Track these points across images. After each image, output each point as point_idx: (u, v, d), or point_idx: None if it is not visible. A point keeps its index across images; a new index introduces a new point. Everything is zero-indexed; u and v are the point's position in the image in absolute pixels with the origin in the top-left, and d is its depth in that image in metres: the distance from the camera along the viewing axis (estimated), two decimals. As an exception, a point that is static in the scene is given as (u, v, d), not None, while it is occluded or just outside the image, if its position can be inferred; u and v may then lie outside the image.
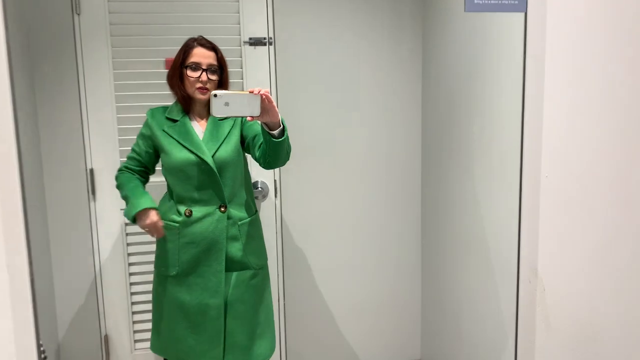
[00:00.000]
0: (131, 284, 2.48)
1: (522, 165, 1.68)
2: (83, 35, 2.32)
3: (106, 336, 2.50)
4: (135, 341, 2.52)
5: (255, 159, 1.89)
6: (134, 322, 2.50)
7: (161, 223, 1.93)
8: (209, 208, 1.92)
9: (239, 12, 2.38)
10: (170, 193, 1.99)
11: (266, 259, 2.09)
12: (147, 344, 2.51)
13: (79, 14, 2.31)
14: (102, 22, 2.31)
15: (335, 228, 2.64)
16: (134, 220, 1.91)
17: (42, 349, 1.57)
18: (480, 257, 2.04)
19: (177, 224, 1.93)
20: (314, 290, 2.66)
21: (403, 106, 2.60)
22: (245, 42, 2.39)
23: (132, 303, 2.49)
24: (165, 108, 2.00)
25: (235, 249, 1.95)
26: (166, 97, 2.28)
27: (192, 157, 1.89)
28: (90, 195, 2.41)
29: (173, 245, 1.94)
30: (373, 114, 2.59)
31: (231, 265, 1.95)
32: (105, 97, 2.36)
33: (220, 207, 1.93)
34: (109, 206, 2.43)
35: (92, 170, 2.40)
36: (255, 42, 2.40)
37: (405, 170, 2.65)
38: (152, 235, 1.95)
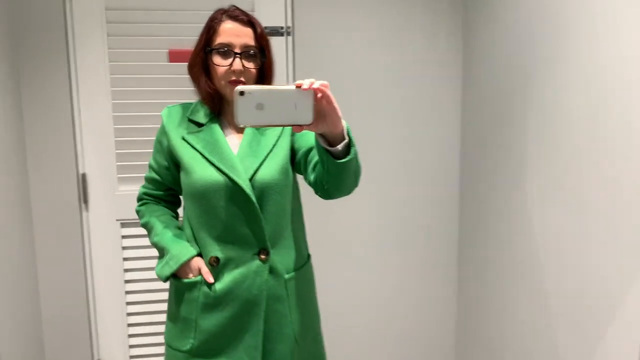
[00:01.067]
0: (128, 303, 2.23)
1: None
2: (75, 21, 2.07)
3: (99, 362, 2.24)
4: (132, 367, 2.26)
5: (309, 183, 1.35)
6: (130, 346, 2.26)
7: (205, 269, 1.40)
8: (243, 254, 1.36)
9: (253, -2, 2.10)
10: (189, 228, 1.44)
11: (320, 324, 1.57)
12: (145, 372, 2.25)
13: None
14: (97, 6, 2.06)
15: (360, 245, 2.37)
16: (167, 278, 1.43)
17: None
18: (545, 310, 1.76)
19: (196, 278, 1.39)
20: (334, 319, 2.39)
21: (439, 106, 2.32)
22: (259, 32, 2.11)
23: (129, 325, 2.25)
24: (187, 106, 1.47)
25: (279, 316, 1.41)
26: (171, 94, 2.02)
27: (220, 178, 1.34)
28: (82, 204, 2.14)
29: (189, 308, 1.40)
30: (404, 115, 2.30)
31: (271, 338, 1.40)
32: (100, 92, 2.10)
33: (259, 252, 1.37)
34: (103, 216, 2.17)
35: (84, 175, 2.14)
36: (272, 31, 2.13)
37: (441, 180, 2.37)
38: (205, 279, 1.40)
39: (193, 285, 1.39)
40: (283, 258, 1.41)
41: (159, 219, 1.48)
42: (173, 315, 1.45)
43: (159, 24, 2.08)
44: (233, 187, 1.33)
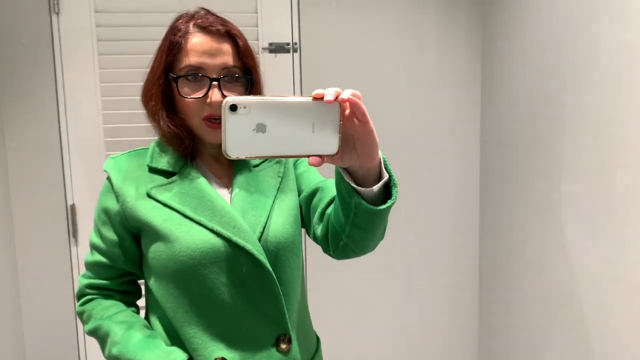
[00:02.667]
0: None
1: None
2: (63, 39, 1.92)
3: (89, 412, 2.03)
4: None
5: (316, 240, 1.04)
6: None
7: None
8: (257, 348, 0.98)
9: (256, 12, 1.97)
10: (165, 327, 1.02)
11: None
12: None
13: (57, 13, 1.89)
14: (87, 23, 1.91)
15: (370, 271, 2.19)
16: None
17: None
18: (582, 350, 1.58)
19: None
20: (343, 345, 2.20)
21: (455, 124, 2.16)
22: (264, 49, 1.98)
23: (122, 369, 2.02)
24: (141, 153, 1.06)
25: None
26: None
27: (217, 242, 0.95)
28: (71, 238, 1.96)
29: None
30: (418, 137, 2.15)
31: None
32: (91, 115, 1.95)
33: (278, 341, 1.00)
34: (94, 250, 1.97)
35: (73, 207, 1.98)
36: (277, 48, 1.98)
37: (459, 203, 2.21)
38: None
39: None
40: (303, 343, 1.06)
41: (114, 320, 1.01)
42: None
43: (154, 42, 1.92)
44: (236, 253, 0.96)
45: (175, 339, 0.99)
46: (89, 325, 1.03)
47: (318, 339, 1.17)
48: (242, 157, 0.74)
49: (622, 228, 1.36)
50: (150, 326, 1.03)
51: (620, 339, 1.39)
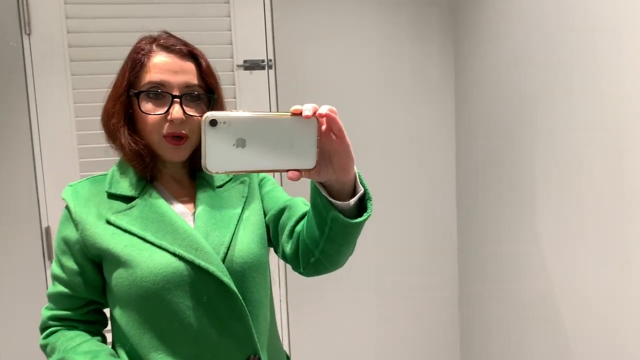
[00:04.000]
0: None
1: None
2: (35, 60, 1.88)
3: None
4: None
5: (285, 258, 1.03)
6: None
7: None
8: None
9: (230, 30, 1.96)
10: (128, 353, 0.99)
11: None
12: None
13: (29, 34, 1.86)
14: (59, 43, 1.88)
15: (353, 282, 2.18)
16: None
17: None
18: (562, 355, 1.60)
19: None
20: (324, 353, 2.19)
21: (431, 138, 2.18)
22: (239, 66, 1.97)
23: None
24: (99, 179, 1.04)
25: None
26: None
27: (179, 265, 0.93)
28: (46, 260, 1.92)
29: None
30: (395, 151, 2.16)
31: None
32: (64, 137, 1.92)
33: None
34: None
35: (47, 229, 1.94)
36: (252, 65, 1.98)
37: (437, 213, 2.22)
38: None
39: None
40: None
41: (77, 351, 0.96)
42: None
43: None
44: (200, 276, 0.94)
45: None
46: (53, 358, 0.99)
47: (288, 358, 1.16)
48: (222, 171, 0.74)
49: (595, 233, 1.39)
50: (116, 354, 1.00)
51: (593, 339, 1.41)
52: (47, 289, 1.93)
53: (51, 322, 1.03)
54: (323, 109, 0.75)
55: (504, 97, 1.79)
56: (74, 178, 1.91)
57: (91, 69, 1.90)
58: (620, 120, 1.27)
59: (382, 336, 2.23)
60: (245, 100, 1.99)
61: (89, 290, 1.01)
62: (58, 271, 1.01)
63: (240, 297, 0.96)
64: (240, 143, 0.73)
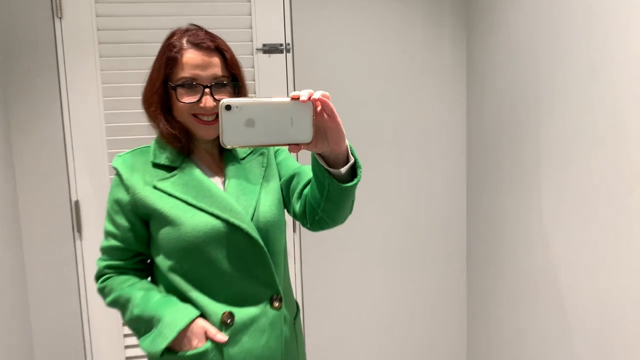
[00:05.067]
0: (125, 335, 2.12)
1: None
2: (66, 42, 1.97)
3: (95, 399, 2.11)
4: (130, 404, 2.13)
5: (295, 216, 1.22)
6: (128, 381, 2.12)
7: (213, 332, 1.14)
8: (255, 306, 1.16)
9: (250, 15, 2.04)
10: (172, 293, 1.18)
11: None
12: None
13: (60, 18, 1.96)
14: (88, 27, 1.97)
15: (365, 272, 2.27)
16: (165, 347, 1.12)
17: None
18: (564, 329, 1.67)
19: (204, 345, 1.11)
20: (339, 342, 2.28)
21: (443, 121, 2.24)
22: (258, 50, 2.05)
23: (127, 358, 2.11)
24: (144, 151, 1.22)
25: None
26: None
27: (217, 224, 1.12)
28: (75, 232, 2.04)
29: None
30: (408, 132, 2.22)
31: None
32: (93, 115, 2.01)
33: (272, 300, 1.18)
34: (98, 245, 2.04)
35: (77, 203, 2.04)
36: (270, 49, 2.05)
37: (447, 195, 2.28)
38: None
39: (201, 356, 1.11)
40: (288, 304, 1.26)
41: (133, 288, 1.18)
42: None
43: (152, 44, 1.99)
44: (234, 232, 1.13)
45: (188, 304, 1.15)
46: (110, 298, 1.19)
47: (297, 304, 1.36)
48: (236, 145, 0.93)
49: (597, 218, 1.45)
50: (164, 292, 1.19)
51: (589, 318, 1.48)
52: (76, 260, 2.06)
53: (106, 270, 1.22)
54: (317, 94, 0.93)
55: (515, 84, 1.84)
56: (101, 155, 2.02)
57: (118, 52, 1.99)
58: (624, 107, 1.32)
59: (390, 297, 2.32)
60: (264, 83, 2.07)
61: (138, 243, 1.20)
62: (111, 228, 1.20)
63: (265, 249, 1.15)
64: (250, 123, 0.91)
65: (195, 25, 1.19)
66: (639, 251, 1.30)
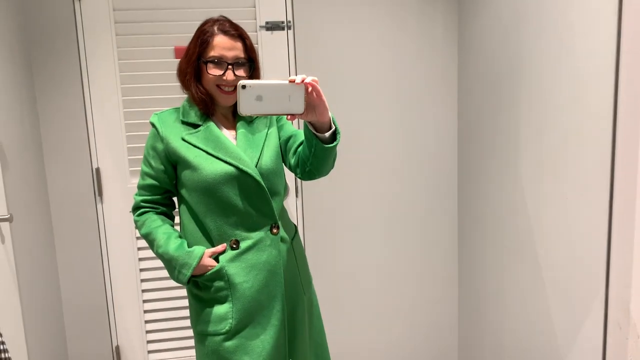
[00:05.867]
0: (143, 290, 2.32)
1: (614, 165, 1.38)
2: (85, 23, 2.15)
3: (117, 347, 2.34)
4: (149, 352, 2.36)
5: (290, 167, 1.57)
6: (147, 332, 2.34)
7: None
8: (258, 232, 1.51)
9: (254, -6, 2.17)
10: (197, 224, 1.54)
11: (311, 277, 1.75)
12: (162, 355, 2.36)
13: (79, 0, 2.11)
14: (105, 7, 2.13)
15: (362, 232, 2.45)
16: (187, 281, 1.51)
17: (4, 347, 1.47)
18: (538, 282, 1.84)
19: (216, 266, 1.49)
20: (339, 299, 2.48)
21: (437, 98, 2.38)
22: (261, 27, 2.20)
23: (145, 311, 2.33)
24: (175, 111, 1.57)
25: (292, 277, 1.60)
26: (178, 89, 2.07)
27: (230, 169, 1.46)
28: (97, 197, 2.23)
29: (222, 291, 1.51)
30: (404, 107, 2.37)
31: (290, 298, 1.59)
32: (111, 90, 2.19)
33: (271, 228, 1.53)
34: (117, 207, 2.26)
35: (97, 170, 2.23)
36: (273, 26, 2.20)
37: (440, 169, 2.44)
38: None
39: (217, 273, 1.49)
40: (286, 228, 1.59)
41: (159, 230, 1.54)
42: (202, 305, 1.54)
43: (165, 23, 2.16)
44: (243, 176, 1.47)
45: (202, 227, 1.52)
46: (143, 231, 1.56)
47: (295, 227, 1.70)
48: (249, 114, 1.28)
49: (568, 185, 1.61)
50: (179, 236, 1.55)
51: (566, 272, 1.65)
52: (97, 222, 2.26)
53: (142, 204, 1.58)
54: (308, 79, 1.27)
55: (502, 55, 1.98)
56: (119, 126, 2.20)
57: (134, 30, 2.16)
58: (589, 75, 1.47)
59: (384, 253, 2.50)
60: (267, 59, 2.22)
61: (168, 182, 1.56)
62: (148, 170, 1.56)
63: (266, 189, 1.50)
64: (259, 98, 1.25)
65: (223, 16, 1.52)
66: (617, 221, 1.46)
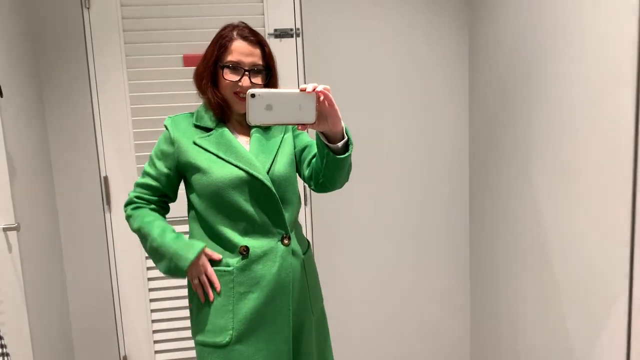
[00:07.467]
0: (151, 300, 2.30)
1: (637, 171, 1.33)
2: (94, 31, 2.15)
3: (125, 357, 2.31)
4: (157, 362, 2.33)
5: (304, 179, 1.51)
6: (155, 342, 2.32)
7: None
8: (269, 242, 1.45)
9: (262, 2, 2.17)
10: (205, 231, 1.48)
11: (322, 296, 1.67)
12: (170, 366, 2.33)
13: (88, 8, 2.12)
14: (114, 16, 2.14)
15: (372, 239, 2.42)
16: (184, 273, 1.44)
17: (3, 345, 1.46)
18: (554, 291, 1.80)
19: (230, 269, 1.44)
20: (349, 308, 2.44)
21: (448, 104, 2.36)
22: (270, 34, 2.18)
23: (153, 321, 2.31)
24: (189, 115, 1.53)
25: (302, 293, 1.52)
26: (186, 97, 2.09)
27: (240, 174, 1.42)
28: (105, 205, 2.22)
29: (225, 299, 1.44)
30: (414, 113, 2.35)
31: (297, 314, 1.51)
32: (119, 98, 2.19)
33: (283, 238, 1.46)
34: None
35: (106, 178, 2.22)
36: (281, 33, 2.19)
37: (451, 175, 2.41)
38: (206, 291, 1.45)
39: (226, 278, 1.43)
40: (298, 241, 1.52)
41: (152, 225, 1.47)
42: (205, 312, 1.46)
43: (174, 31, 2.16)
44: (253, 181, 1.42)
45: (211, 233, 1.47)
46: (135, 225, 1.50)
47: (308, 241, 1.62)
48: (258, 124, 1.23)
49: (586, 189, 1.57)
50: (175, 231, 1.48)
51: (583, 283, 1.61)
52: (105, 231, 2.25)
53: (135, 199, 1.52)
54: (320, 87, 1.21)
55: (513, 63, 1.95)
56: (127, 134, 2.19)
57: (142, 38, 2.15)
58: (607, 82, 1.44)
59: (395, 263, 2.46)
60: (277, 65, 2.21)
61: (167, 187, 1.51)
62: (151, 170, 1.51)
63: (277, 196, 1.44)
64: (269, 108, 1.19)
65: (243, 22, 1.49)
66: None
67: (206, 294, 1.45)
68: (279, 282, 1.44)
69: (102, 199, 2.23)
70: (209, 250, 1.44)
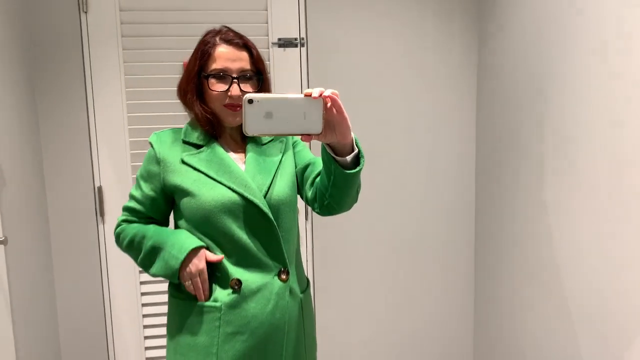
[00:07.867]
0: (144, 315, 2.23)
1: None
2: (91, 36, 2.07)
3: (116, 375, 2.23)
4: (148, 379, 2.25)
5: (306, 201, 1.32)
6: (147, 359, 2.23)
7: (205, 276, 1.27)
8: (264, 276, 1.27)
9: (266, 10, 2.11)
10: None
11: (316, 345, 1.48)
12: (161, 384, 2.24)
13: (86, 12, 2.05)
14: (112, 21, 2.07)
15: (375, 256, 2.34)
16: (177, 275, 1.26)
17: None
18: (565, 313, 1.73)
19: (217, 304, 1.25)
20: (351, 324, 2.37)
21: (455, 116, 2.30)
22: (273, 44, 2.12)
23: (145, 337, 2.23)
24: (177, 131, 1.35)
25: (296, 338, 1.34)
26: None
27: (233, 196, 1.24)
28: (99, 217, 2.14)
29: (208, 339, 1.25)
30: (419, 124, 2.28)
31: None
32: (116, 105, 2.11)
33: (280, 273, 1.29)
34: (120, 228, 2.16)
35: (100, 188, 2.14)
36: (285, 43, 2.13)
37: (457, 186, 2.34)
38: (197, 294, 1.27)
39: (214, 313, 1.25)
40: (297, 277, 1.35)
41: (146, 228, 1.32)
42: (185, 348, 1.28)
43: (174, 37, 2.09)
44: (247, 206, 1.25)
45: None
46: (126, 240, 1.33)
47: (308, 279, 1.44)
48: (256, 134, 1.06)
49: (598, 209, 1.51)
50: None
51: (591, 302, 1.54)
52: (98, 243, 2.17)
53: (123, 223, 1.36)
54: (327, 92, 1.04)
55: (522, 76, 1.89)
56: (123, 143, 2.12)
57: (141, 45, 2.08)
58: (625, 99, 1.38)
59: (397, 282, 2.39)
60: (279, 76, 2.14)
61: (152, 210, 1.34)
62: (136, 193, 1.34)
63: (275, 223, 1.27)
64: (268, 115, 1.03)
65: (226, 26, 1.34)
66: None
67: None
68: (272, 325, 1.26)
69: (96, 210, 2.15)
70: (209, 254, 1.27)
